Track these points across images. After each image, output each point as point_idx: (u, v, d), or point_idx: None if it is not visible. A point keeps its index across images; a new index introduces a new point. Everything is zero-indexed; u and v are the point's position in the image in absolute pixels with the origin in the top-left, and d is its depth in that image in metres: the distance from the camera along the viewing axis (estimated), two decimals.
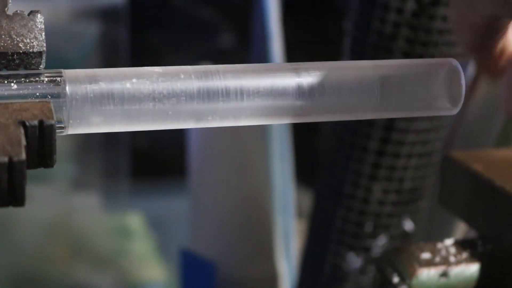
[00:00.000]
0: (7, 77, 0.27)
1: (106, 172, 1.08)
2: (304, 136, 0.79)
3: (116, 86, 0.28)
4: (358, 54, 0.60)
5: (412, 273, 0.40)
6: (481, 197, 0.42)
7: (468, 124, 0.67)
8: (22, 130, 0.26)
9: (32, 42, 0.28)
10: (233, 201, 0.77)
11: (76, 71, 0.28)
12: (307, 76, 0.30)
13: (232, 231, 0.77)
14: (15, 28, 0.28)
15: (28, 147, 0.26)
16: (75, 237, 1.01)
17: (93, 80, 0.28)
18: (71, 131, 0.28)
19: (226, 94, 0.29)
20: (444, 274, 0.40)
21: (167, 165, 1.13)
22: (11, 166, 0.25)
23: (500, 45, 0.41)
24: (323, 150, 0.67)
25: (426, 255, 0.41)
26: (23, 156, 0.25)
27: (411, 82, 0.31)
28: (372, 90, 0.30)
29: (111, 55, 1.04)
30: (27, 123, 0.26)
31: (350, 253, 0.64)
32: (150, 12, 1.17)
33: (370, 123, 0.61)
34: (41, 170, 0.27)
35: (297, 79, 0.30)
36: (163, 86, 0.28)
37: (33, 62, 0.28)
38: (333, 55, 0.60)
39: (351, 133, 0.62)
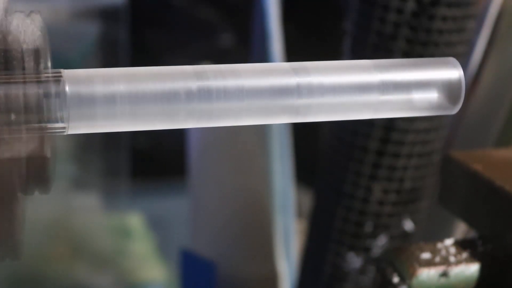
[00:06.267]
0: (6, 76, 0.27)
1: (106, 172, 1.08)
2: (304, 136, 0.79)
3: (116, 86, 0.28)
4: (358, 54, 0.60)
5: (412, 273, 0.40)
6: (481, 197, 0.42)
7: (468, 124, 0.67)
8: None
9: (32, 42, 0.28)
10: (233, 201, 0.77)
11: (76, 71, 0.28)
12: (307, 76, 0.30)
13: (232, 231, 0.77)
14: (15, 28, 0.28)
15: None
16: (75, 237, 1.01)
17: (93, 80, 0.28)
18: (71, 131, 0.28)
19: (226, 94, 0.29)
20: (444, 274, 0.40)
21: (167, 165, 1.12)
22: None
23: None
24: (323, 150, 0.67)
25: (426, 255, 0.41)
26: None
27: (411, 82, 0.31)
28: (372, 90, 0.30)
29: (111, 55, 1.04)
30: None
31: (350, 253, 0.64)
32: (150, 12, 1.17)
33: (370, 123, 0.61)
34: None
35: (297, 79, 0.30)
36: (163, 86, 0.28)
37: (32, 62, 0.28)
38: (333, 55, 0.60)
39: (351, 133, 0.62)
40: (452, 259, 0.41)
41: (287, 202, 0.76)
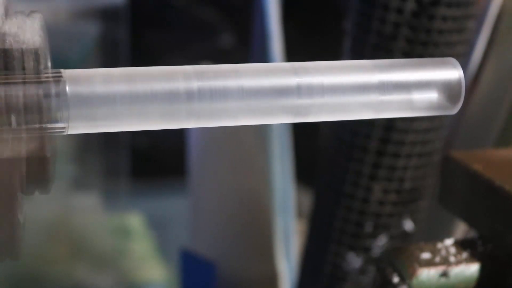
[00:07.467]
0: (6, 77, 0.27)
1: (106, 172, 1.08)
2: (304, 136, 0.79)
3: (116, 86, 0.28)
4: (358, 54, 0.60)
5: (412, 273, 0.40)
6: (481, 197, 0.42)
7: (468, 124, 0.68)
8: None
9: (32, 42, 0.28)
10: (233, 201, 0.77)
11: (76, 71, 0.28)
12: (307, 76, 0.30)
13: (232, 231, 0.77)
14: (15, 27, 0.28)
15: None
16: (75, 237, 1.01)
17: (93, 80, 0.28)
18: (71, 131, 0.28)
19: (226, 94, 0.29)
20: (444, 274, 0.40)
21: (167, 165, 1.12)
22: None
23: None
24: (323, 150, 0.67)
25: (426, 255, 0.41)
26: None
27: (411, 82, 0.31)
28: (372, 90, 0.30)
29: (111, 55, 1.04)
30: None
31: (350, 253, 0.64)
32: (150, 12, 1.17)
33: (370, 123, 0.61)
34: None
35: (297, 79, 0.30)
36: (163, 86, 0.28)
37: (32, 62, 0.28)
38: (333, 55, 0.60)
39: (351, 133, 0.62)
40: (452, 259, 0.41)
41: (287, 202, 0.76)
